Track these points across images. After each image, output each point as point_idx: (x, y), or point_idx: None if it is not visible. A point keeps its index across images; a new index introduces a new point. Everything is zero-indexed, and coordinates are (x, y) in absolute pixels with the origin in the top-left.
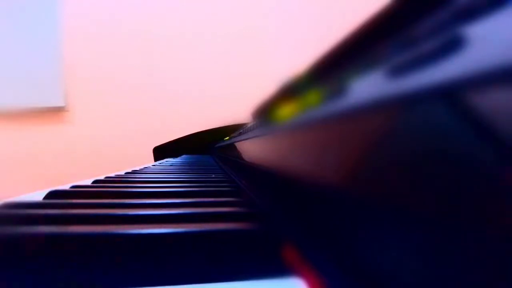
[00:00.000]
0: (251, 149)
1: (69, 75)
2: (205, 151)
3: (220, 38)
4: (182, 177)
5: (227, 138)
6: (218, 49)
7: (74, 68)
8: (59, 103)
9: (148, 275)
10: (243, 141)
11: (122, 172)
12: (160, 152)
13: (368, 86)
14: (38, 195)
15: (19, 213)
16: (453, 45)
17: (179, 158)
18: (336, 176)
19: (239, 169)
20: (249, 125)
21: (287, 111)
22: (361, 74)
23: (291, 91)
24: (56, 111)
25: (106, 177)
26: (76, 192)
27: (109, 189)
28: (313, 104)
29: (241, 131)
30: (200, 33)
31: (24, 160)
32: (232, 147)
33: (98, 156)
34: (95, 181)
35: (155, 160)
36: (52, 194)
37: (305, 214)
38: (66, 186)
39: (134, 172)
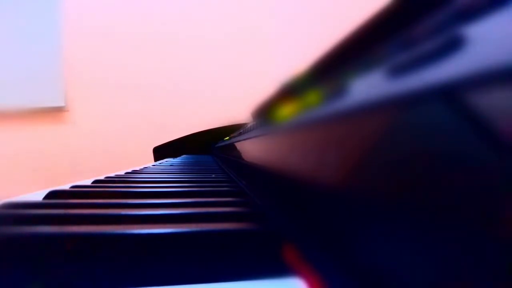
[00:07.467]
0: (251, 149)
1: (69, 75)
2: (205, 151)
3: (220, 38)
4: (182, 177)
5: (227, 138)
6: (218, 49)
7: (74, 68)
8: (59, 103)
9: (148, 275)
10: (243, 141)
11: (122, 172)
12: (160, 152)
13: (368, 86)
14: (38, 195)
15: (19, 213)
16: (453, 45)
17: (179, 158)
18: (336, 176)
19: (239, 169)
20: (249, 125)
21: (287, 111)
22: (361, 74)
23: (291, 91)
24: (56, 111)
25: (106, 177)
26: (76, 192)
27: (109, 189)
28: (313, 104)
29: (241, 131)
30: (200, 33)
31: (24, 160)
32: (232, 147)
33: (98, 156)
34: (95, 181)
35: (155, 160)
36: (52, 194)
37: (305, 214)
38: (66, 186)
39: (134, 172)
